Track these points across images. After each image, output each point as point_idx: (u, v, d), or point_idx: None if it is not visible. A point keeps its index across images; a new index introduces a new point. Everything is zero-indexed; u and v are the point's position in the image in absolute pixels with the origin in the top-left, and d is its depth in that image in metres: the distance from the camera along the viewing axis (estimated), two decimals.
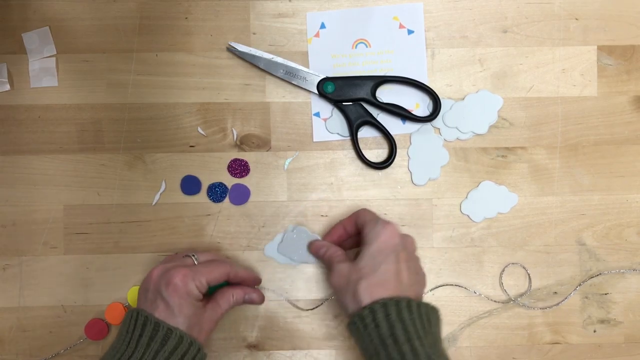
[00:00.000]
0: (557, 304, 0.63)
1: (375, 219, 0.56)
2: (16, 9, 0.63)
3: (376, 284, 0.51)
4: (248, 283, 0.59)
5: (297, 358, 0.63)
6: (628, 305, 0.64)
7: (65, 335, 0.62)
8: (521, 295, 0.63)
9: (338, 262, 0.55)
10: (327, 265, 0.58)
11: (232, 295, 0.56)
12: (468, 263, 0.63)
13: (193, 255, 0.56)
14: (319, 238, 0.62)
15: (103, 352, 0.62)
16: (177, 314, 0.52)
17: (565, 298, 0.63)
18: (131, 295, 0.62)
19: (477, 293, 0.63)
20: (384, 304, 0.49)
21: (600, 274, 0.63)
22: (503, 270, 0.63)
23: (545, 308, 0.63)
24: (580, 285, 0.63)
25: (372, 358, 0.50)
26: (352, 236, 0.60)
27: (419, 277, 0.55)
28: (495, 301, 0.63)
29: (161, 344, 0.50)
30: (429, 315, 0.51)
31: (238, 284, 0.58)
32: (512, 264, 0.63)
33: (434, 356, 0.47)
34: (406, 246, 0.54)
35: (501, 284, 0.63)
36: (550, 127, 0.64)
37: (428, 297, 0.63)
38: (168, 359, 0.50)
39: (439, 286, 0.63)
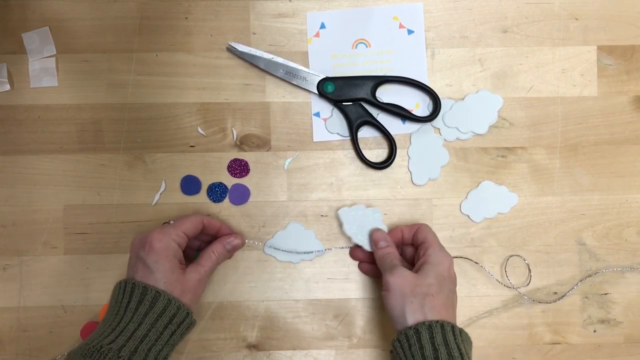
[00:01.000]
0: (555, 301, 0.63)
1: (439, 242, 0.58)
2: (16, 9, 0.63)
3: (443, 305, 0.53)
4: (224, 232, 0.60)
5: (297, 358, 0.63)
6: (628, 305, 0.64)
7: (65, 335, 0.62)
8: (522, 287, 0.63)
9: (401, 266, 0.56)
10: (381, 262, 0.58)
11: (213, 251, 0.57)
12: (468, 263, 0.63)
13: (169, 222, 0.57)
14: (385, 228, 0.61)
15: None
16: (154, 270, 0.52)
17: (563, 296, 0.63)
18: None
19: (489, 272, 0.63)
20: (442, 325, 0.51)
21: (598, 272, 0.63)
22: (507, 260, 0.63)
23: (543, 303, 0.63)
24: (581, 281, 0.63)
25: None
26: (404, 245, 0.61)
27: None
28: (504, 285, 0.63)
29: (149, 306, 0.51)
30: (468, 344, 0.54)
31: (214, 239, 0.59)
32: (515, 255, 0.63)
33: None
34: (455, 283, 0.57)
35: (505, 271, 0.63)
36: (550, 127, 0.64)
37: None
38: (157, 320, 0.51)
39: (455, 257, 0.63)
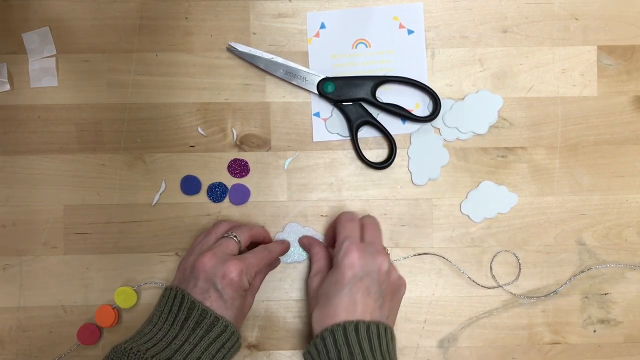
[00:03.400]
0: (547, 295, 0.63)
1: (343, 239, 0.55)
2: (16, 9, 0.63)
3: (326, 315, 0.52)
4: (281, 255, 0.62)
5: (297, 358, 0.63)
6: (628, 305, 0.64)
7: (65, 335, 0.62)
8: (510, 283, 0.63)
9: (314, 273, 0.58)
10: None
11: (264, 276, 0.61)
12: (468, 263, 0.63)
13: (235, 237, 0.57)
14: (313, 231, 0.63)
15: (102, 353, 0.62)
16: (230, 306, 0.53)
17: (555, 291, 0.63)
18: (118, 297, 0.61)
19: (462, 271, 0.63)
20: (332, 330, 0.51)
21: (591, 268, 0.63)
22: (494, 257, 0.63)
23: (533, 298, 0.63)
24: (574, 277, 0.63)
25: None
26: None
27: (385, 301, 0.54)
28: (483, 286, 0.63)
29: (207, 330, 0.52)
30: (380, 334, 0.52)
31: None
32: (505, 251, 0.63)
33: None
34: (369, 273, 0.53)
35: (491, 267, 0.63)
36: (550, 127, 0.64)
37: (427, 282, 0.63)
38: (211, 345, 0.52)
39: (422, 254, 0.63)
